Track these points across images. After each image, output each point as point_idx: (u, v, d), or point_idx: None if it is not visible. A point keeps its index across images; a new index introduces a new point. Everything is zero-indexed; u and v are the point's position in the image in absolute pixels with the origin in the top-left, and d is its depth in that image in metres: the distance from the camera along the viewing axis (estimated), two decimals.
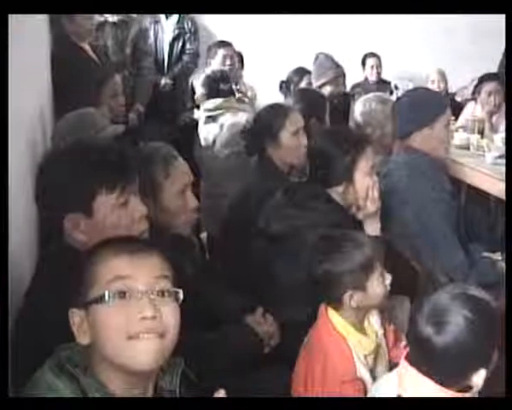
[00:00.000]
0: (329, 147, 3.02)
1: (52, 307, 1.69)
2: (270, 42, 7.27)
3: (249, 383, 2.31)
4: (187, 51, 6.56)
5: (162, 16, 6.42)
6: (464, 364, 1.83)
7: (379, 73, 7.26)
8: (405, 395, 1.86)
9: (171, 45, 6.49)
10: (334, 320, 2.38)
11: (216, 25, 7.00)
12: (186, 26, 6.53)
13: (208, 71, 4.95)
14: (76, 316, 1.58)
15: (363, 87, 6.75)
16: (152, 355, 1.53)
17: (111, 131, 3.22)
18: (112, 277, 1.56)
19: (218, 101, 4.64)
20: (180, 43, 6.53)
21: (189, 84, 5.98)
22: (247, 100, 5.06)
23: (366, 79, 7.29)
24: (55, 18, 4.63)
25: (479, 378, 1.82)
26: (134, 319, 1.52)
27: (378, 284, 2.38)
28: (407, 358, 1.91)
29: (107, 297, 1.53)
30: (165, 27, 6.45)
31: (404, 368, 1.89)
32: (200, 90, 4.85)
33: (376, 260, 2.39)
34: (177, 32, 6.50)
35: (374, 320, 2.45)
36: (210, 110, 4.64)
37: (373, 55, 7.26)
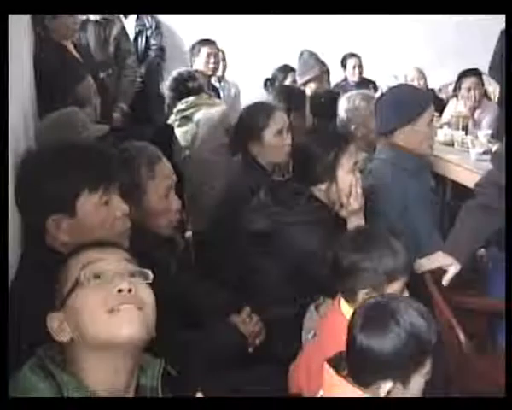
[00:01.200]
0: (312, 145, 3.02)
1: (32, 309, 1.69)
2: (255, 40, 7.26)
3: (233, 382, 2.31)
4: (152, 47, 6.61)
5: (121, 16, 6.37)
6: (379, 371, 1.82)
7: (360, 73, 7.20)
8: (326, 395, 1.89)
9: (135, 43, 6.48)
10: (347, 314, 2.31)
11: (200, 23, 6.97)
12: (146, 22, 6.58)
13: (175, 73, 4.93)
14: (54, 320, 1.60)
15: (342, 88, 6.72)
16: (134, 325, 1.56)
17: (95, 131, 3.21)
18: (83, 264, 1.62)
19: (190, 99, 4.63)
20: (143, 40, 6.56)
21: (159, 81, 5.99)
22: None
23: (346, 78, 7.22)
24: (38, 16, 4.59)
25: (385, 386, 1.82)
26: (111, 294, 1.57)
27: None
28: (329, 361, 1.92)
29: (82, 278, 1.58)
30: (126, 26, 6.41)
31: (326, 370, 1.90)
32: (169, 94, 4.85)
33: (402, 273, 2.33)
34: (138, 29, 6.52)
35: None
36: (183, 110, 4.64)
37: (353, 55, 7.20)
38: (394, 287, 2.31)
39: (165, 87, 4.92)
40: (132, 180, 2.46)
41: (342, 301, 2.38)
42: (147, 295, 1.63)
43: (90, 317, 1.55)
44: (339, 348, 2.20)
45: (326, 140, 3.00)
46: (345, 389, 1.84)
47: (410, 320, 1.81)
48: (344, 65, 7.23)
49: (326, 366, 1.90)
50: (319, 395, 1.95)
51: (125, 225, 2.09)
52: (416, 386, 1.84)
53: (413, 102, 3.50)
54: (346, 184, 2.96)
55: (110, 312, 1.55)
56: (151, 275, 1.67)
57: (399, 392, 1.83)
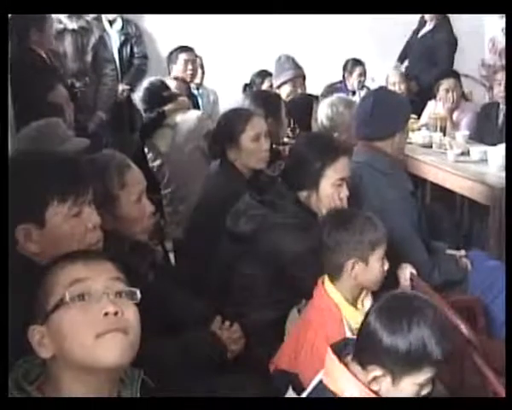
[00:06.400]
0: (304, 151, 3.01)
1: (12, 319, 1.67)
2: (233, 45, 7.24)
3: (211, 389, 2.29)
4: (136, 55, 6.68)
5: (107, 25, 6.42)
6: (379, 359, 1.84)
7: (361, 81, 6.95)
8: (325, 380, 1.91)
9: (120, 51, 6.55)
10: (329, 290, 2.47)
11: (178, 27, 6.97)
12: (131, 30, 6.64)
13: (146, 84, 4.94)
14: (36, 332, 1.57)
15: (336, 90, 6.57)
16: (119, 351, 1.54)
17: (75, 145, 3.19)
18: (69, 281, 1.58)
19: (161, 108, 4.62)
20: (128, 49, 6.62)
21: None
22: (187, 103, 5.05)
23: (344, 82, 6.97)
24: (16, 24, 4.58)
25: (375, 373, 1.84)
26: (97, 318, 1.54)
27: (378, 263, 2.50)
28: (332, 346, 1.95)
29: (67, 298, 1.55)
30: (112, 35, 6.45)
31: (329, 356, 1.93)
32: (141, 106, 4.85)
33: (383, 242, 2.51)
34: (123, 38, 6.57)
35: (367, 304, 2.47)
36: (155, 119, 4.63)
37: (359, 63, 6.96)
38: (379, 254, 2.49)
39: (137, 97, 4.93)
40: (104, 190, 2.44)
41: (327, 281, 2.50)
42: (133, 316, 1.60)
43: (76, 341, 1.53)
44: (325, 328, 2.36)
45: (317, 149, 2.97)
46: (344, 376, 1.87)
47: (428, 328, 1.83)
48: (349, 71, 6.96)
49: (329, 351, 1.93)
50: (319, 377, 1.96)
51: (96, 237, 2.07)
52: (406, 389, 1.85)
53: (404, 107, 3.55)
54: (327, 197, 2.93)
55: (97, 337, 1.53)
56: (139, 294, 1.64)
57: (388, 386, 1.85)
